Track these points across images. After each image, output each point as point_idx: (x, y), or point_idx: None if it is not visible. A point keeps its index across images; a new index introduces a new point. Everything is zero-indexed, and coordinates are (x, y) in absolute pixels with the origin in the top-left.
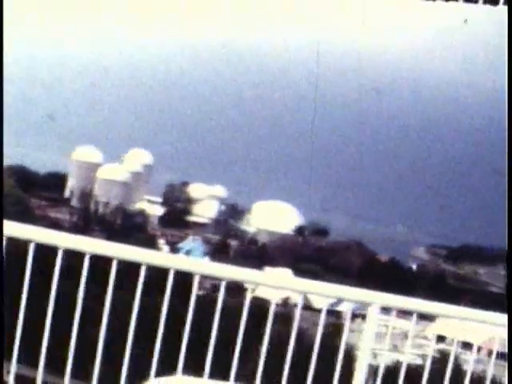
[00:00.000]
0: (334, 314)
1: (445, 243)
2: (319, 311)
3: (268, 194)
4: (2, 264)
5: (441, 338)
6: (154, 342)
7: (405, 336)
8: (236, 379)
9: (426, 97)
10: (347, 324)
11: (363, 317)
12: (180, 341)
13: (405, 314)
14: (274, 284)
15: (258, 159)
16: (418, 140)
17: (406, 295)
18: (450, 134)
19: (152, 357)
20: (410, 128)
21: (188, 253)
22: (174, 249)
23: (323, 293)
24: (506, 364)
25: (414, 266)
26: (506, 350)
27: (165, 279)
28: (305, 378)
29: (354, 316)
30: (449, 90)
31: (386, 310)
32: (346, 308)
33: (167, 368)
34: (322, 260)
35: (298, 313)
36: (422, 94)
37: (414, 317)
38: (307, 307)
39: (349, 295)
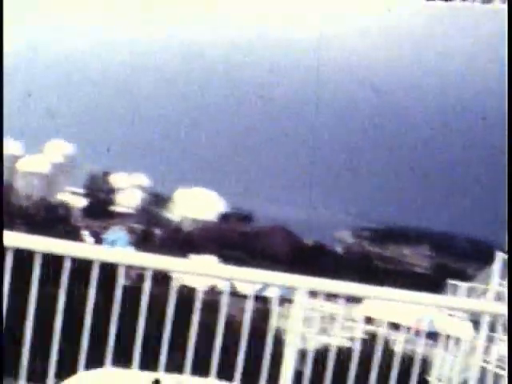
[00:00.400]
0: (261, 300)
1: (369, 225)
2: (246, 297)
3: (191, 181)
4: (2, 265)
5: (369, 320)
6: (80, 335)
7: (332, 319)
8: (166, 368)
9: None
10: (276, 309)
11: (291, 301)
12: (108, 333)
13: (332, 297)
14: (200, 272)
15: (181, 146)
16: (340, 122)
17: (332, 278)
18: (374, 118)
19: (79, 350)
20: (331, 109)
21: (112, 243)
22: (99, 240)
23: (250, 279)
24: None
25: (339, 249)
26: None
27: (89, 271)
28: (234, 365)
29: (282, 301)
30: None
31: (313, 293)
32: (272, 293)
33: (97, 360)
34: (246, 246)
35: (225, 300)
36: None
37: (342, 300)
38: (234, 293)
39: (276, 280)
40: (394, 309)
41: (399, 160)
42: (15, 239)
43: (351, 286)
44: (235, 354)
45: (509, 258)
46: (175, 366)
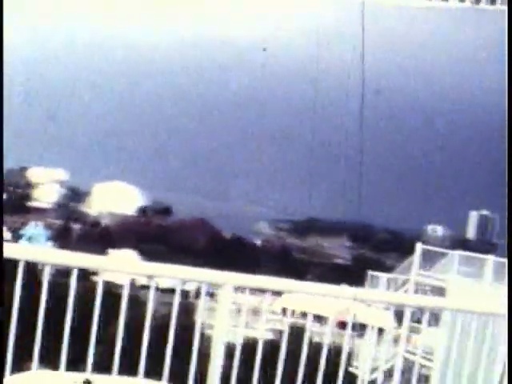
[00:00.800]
0: (181, 294)
1: (288, 217)
2: (166, 291)
3: (110, 175)
4: (2, 267)
5: (292, 313)
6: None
7: (254, 312)
8: (93, 368)
9: None
10: (201, 304)
11: (211, 295)
12: (34, 332)
13: (254, 290)
14: (121, 269)
15: (101, 141)
16: (258, 115)
17: (252, 271)
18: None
19: (5, 352)
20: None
21: (30, 239)
22: (16, 235)
23: (174, 275)
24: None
25: (259, 242)
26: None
27: (12, 269)
28: (161, 361)
29: (199, 294)
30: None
31: (236, 287)
32: (193, 287)
33: (23, 362)
34: (166, 240)
35: (151, 296)
36: None
37: (267, 294)
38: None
39: (200, 277)
40: (316, 301)
41: (317, 151)
42: None
43: (275, 281)
44: (159, 350)
45: (508, 258)
46: (102, 363)
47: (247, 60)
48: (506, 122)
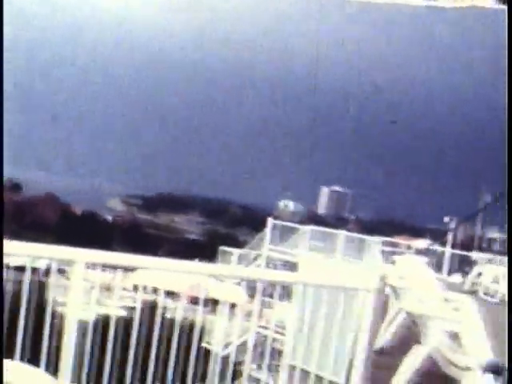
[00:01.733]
0: (32, 271)
1: (139, 193)
2: (16, 269)
3: None
4: (1, 269)
5: (145, 289)
6: None
7: (106, 289)
8: None
9: None
10: (52, 281)
11: (60, 271)
12: None
13: (106, 266)
14: None
15: None
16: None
17: (104, 247)
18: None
19: None
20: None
21: None
22: None
23: (24, 253)
24: None
25: (110, 218)
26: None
27: None
28: (13, 339)
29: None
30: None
31: (88, 264)
32: (42, 264)
33: None
34: (15, 216)
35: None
36: None
37: (119, 271)
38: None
39: (51, 254)
40: (168, 277)
41: (170, 126)
42: None
43: (127, 258)
44: (11, 329)
45: (509, 256)
46: None
47: None
48: (506, 122)
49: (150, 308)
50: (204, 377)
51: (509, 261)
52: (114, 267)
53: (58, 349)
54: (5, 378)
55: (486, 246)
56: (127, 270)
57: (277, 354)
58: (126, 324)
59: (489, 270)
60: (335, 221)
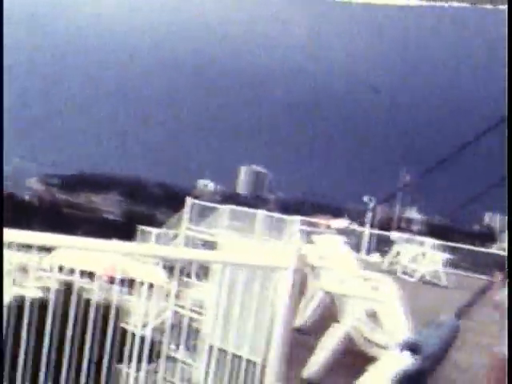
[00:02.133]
0: None
1: (58, 172)
2: None
3: None
4: (1, 269)
5: (61, 269)
6: None
7: (22, 269)
8: None
9: None
10: None
11: None
12: None
13: (22, 246)
14: None
15: None
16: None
17: (20, 227)
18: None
19: None
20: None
21: None
22: None
23: None
24: None
25: (28, 197)
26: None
27: None
28: None
29: None
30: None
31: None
32: None
33: None
34: None
35: None
36: None
37: (35, 250)
38: None
39: None
40: (85, 256)
41: (95, 108)
42: None
43: (43, 237)
44: None
45: (508, 254)
46: None
47: None
48: (506, 122)
49: (66, 289)
50: (121, 357)
51: (508, 254)
52: (30, 247)
53: None
54: None
55: (404, 226)
56: (45, 249)
57: (194, 333)
58: (42, 305)
59: (407, 250)
60: (254, 200)
